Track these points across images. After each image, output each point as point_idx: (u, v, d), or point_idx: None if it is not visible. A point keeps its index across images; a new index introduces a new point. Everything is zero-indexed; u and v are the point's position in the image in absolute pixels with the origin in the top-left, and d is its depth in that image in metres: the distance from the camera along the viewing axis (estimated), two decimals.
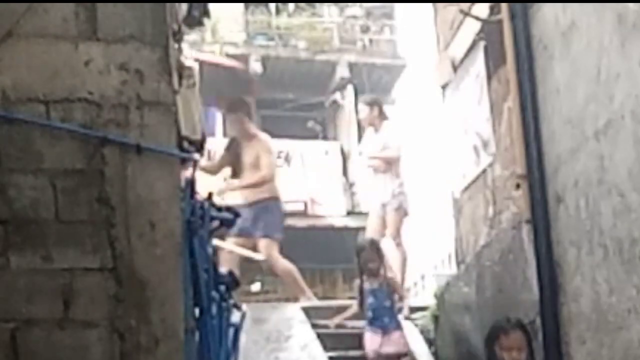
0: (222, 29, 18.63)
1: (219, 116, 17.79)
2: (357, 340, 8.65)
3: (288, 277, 9.81)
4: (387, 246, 9.73)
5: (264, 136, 9.90)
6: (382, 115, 10.57)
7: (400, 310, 8.19)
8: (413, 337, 8.17)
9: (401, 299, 8.19)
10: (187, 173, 4.58)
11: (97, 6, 4.19)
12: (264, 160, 9.50)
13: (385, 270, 7.94)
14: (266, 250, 9.50)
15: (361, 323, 9.17)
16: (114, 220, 4.06)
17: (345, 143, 19.69)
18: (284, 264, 9.67)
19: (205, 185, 5.63)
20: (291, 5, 20.63)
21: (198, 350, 4.58)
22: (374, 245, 8.01)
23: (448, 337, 7.92)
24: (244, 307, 5.92)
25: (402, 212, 10.13)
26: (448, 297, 8.04)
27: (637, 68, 4.70)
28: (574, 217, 5.53)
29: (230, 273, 5.37)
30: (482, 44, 7.18)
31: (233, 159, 9.66)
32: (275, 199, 9.68)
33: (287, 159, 18.46)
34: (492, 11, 6.78)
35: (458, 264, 8.29)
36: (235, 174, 9.65)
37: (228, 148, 9.78)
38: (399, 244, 10.10)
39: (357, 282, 7.95)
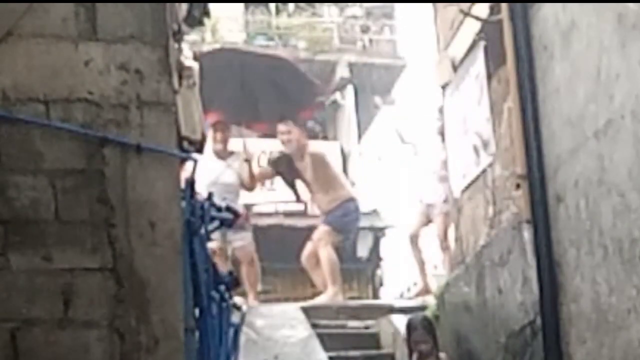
0: (222, 29, 18.62)
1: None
2: (357, 340, 8.67)
3: (326, 266, 10.05)
4: (430, 243, 10.43)
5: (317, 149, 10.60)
6: None
7: None
8: None
9: None
10: (187, 173, 4.58)
11: (97, 6, 4.19)
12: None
13: (438, 352, 7.13)
14: (318, 234, 10.01)
15: (361, 323, 9.20)
16: (114, 220, 4.06)
17: (345, 143, 19.67)
18: (329, 252, 10.01)
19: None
20: (291, 5, 20.62)
21: (198, 350, 4.58)
22: (428, 324, 7.20)
23: (448, 337, 7.92)
24: (244, 307, 5.92)
25: (450, 217, 10.31)
26: (448, 297, 8.04)
27: (637, 68, 4.70)
28: (574, 217, 5.53)
29: (230, 273, 5.37)
30: (482, 44, 7.18)
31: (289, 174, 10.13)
32: (348, 200, 10.24)
33: None
34: (492, 11, 6.77)
35: (458, 264, 8.29)
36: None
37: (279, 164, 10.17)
38: (446, 248, 10.29)
39: None
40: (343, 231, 10.19)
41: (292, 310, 9.12)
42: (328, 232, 10.01)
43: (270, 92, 10.65)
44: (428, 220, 10.50)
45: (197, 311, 4.62)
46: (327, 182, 10.04)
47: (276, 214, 17.07)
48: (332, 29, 20.73)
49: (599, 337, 5.26)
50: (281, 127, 10.11)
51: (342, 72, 20.14)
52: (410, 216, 10.77)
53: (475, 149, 7.48)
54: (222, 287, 5.08)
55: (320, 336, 8.23)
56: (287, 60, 11.38)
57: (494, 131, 7.12)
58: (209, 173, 9.52)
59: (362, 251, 17.09)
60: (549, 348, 5.80)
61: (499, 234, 6.86)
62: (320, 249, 10.00)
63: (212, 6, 6.03)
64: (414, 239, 10.61)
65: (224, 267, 8.76)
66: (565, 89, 5.59)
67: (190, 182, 4.56)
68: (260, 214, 17.19)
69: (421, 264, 10.63)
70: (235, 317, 5.40)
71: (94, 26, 4.18)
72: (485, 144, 7.28)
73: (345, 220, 10.19)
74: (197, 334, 4.57)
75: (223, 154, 10.00)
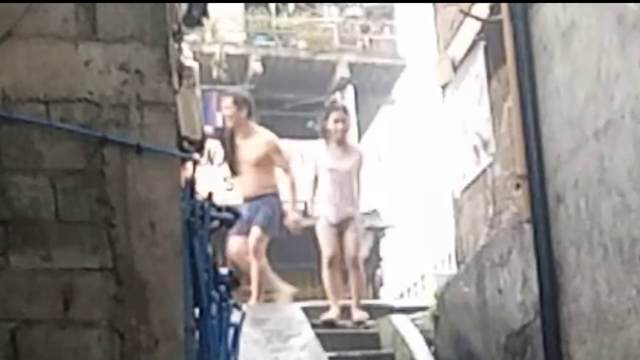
0: (222, 29, 18.64)
1: (219, 116, 17.80)
2: (357, 340, 8.67)
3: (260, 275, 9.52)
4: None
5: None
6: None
7: None
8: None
9: None
10: (187, 173, 4.58)
11: (97, 6, 4.19)
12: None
13: None
14: (254, 236, 9.30)
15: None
16: (114, 220, 4.06)
17: None
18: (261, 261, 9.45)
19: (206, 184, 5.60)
20: (291, 5, 20.64)
21: (198, 350, 4.58)
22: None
23: (448, 337, 7.92)
24: (244, 307, 5.92)
25: (360, 234, 9.69)
26: (448, 297, 8.04)
27: (637, 68, 4.70)
28: (574, 217, 5.53)
29: (230, 273, 5.37)
30: (482, 44, 7.18)
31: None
32: (275, 195, 9.63)
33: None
34: (492, 11, 6.77)
35: (458, 264, 8.29)
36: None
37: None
38: (356, 267, 9.72)
39: None
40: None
41: (292, 310, 9.12)
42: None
43: None
44: (341, 239, 9.44)
45: (197, 311, 4.62)
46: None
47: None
48: (332, 29, 20.76)
49: (599, 337, 5.26)
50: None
51: (342, 72, 20.17)
52: (322, 240, 9.54)
53: (475, 149, 7.48)
54: (222, 287, 5.08)
55: (320, 336, 8.24)
56: None
57: (494, 131, 7.12)
58: None
59: (362, 251, 17.12)
60: (549, 348, 5.80)
61: (499, 234, 6.86)
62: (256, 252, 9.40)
63: (212, 6, 6.03)
64: (332, 263, 9.40)
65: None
66: (565, 89, 5.59)
67: (190, 182, 4.56)
68: None
69: (336, 289, 9.40)
70: (235, 317, 5.39)
71: (94, 26, 4.18)
72: (485, 144, 7.28)
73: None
74: (197, 334, 4.57)
75: None
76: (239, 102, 9.66)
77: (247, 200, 9.44)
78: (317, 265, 10.03)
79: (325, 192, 9.47)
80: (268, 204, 9.45)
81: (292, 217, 9.63)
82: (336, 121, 9.48)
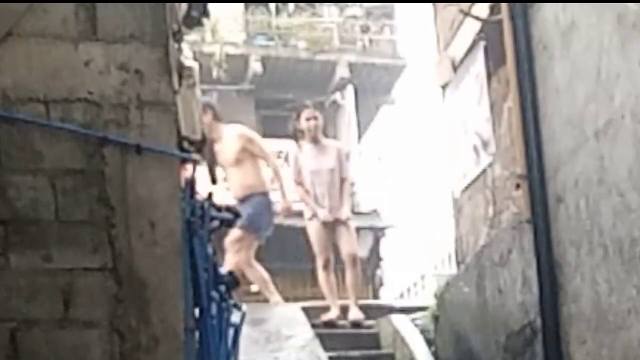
0: (222, 29, 18.64)
1: None
2: (357, 340, 8.67)
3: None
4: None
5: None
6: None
7: None
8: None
9: None
10: (187, 173, 4.58)
11: (97, 6, 4.19)
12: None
13: None
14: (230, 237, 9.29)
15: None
16: (114, 220, 4.05)
17: (345, 143, 19.70)
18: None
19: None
20: (291, 5, 20.65)
21: (198, 350, 4.58)
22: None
23: (448, 337, 7.93)
24: (244, 307, 5.92)
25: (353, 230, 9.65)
26: (448, 297, 8.04)
27: (637, 68, 4.70)
28: (574, 217, 5.53)
29: (230, 273, 5.37)
30: (482, 44, 7.18)
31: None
32: (263, 193, 9.55)
33: (287, 159, 18.48)
34: (492, 11, 6.78)
35: (458, 264, 8.29)
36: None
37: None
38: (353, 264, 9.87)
39: None
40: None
41: (292, 310, 9.13)
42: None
43: None
44: (334, 239, 9.41)
45: (197, 311, 4.62)
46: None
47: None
48: (332, 29, 20.77)
49: (599, 337, 5.26)
50: None
51: (342, 72, 20.19)
52: (315, 243, 9.50)
53: (475, 149, 7.48)
54: (222, 287, 5.08)
55: (320, 336, 8.24)
56: None
57: (494, 131, 7.12)
58: None
59: (362, 251, 17.13)
60: (549, 348, 5.80)
61: (499, 234, 6.86)
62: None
63: (212, 6, 6.02)
64: (326, 266, 9.34)
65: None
66: (565, 89, 5.60)
67: (190, 182, 4.56)
68: None
69: (333, 289, 9.38)
70: (235, 317, 5.39)
71: (94, 26, 4.18)
72: (485, 144, 7.28)
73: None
74: (197, 334, 4.57)
75: None
76: (203, 108, 9.50)
77: (237, 201, 9.30)
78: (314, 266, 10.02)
79: (312, 195, 9.44)
80: (251, 204, 9.33)
81: (283, 204, 9.60)
82: (308, 119, 9.49)
